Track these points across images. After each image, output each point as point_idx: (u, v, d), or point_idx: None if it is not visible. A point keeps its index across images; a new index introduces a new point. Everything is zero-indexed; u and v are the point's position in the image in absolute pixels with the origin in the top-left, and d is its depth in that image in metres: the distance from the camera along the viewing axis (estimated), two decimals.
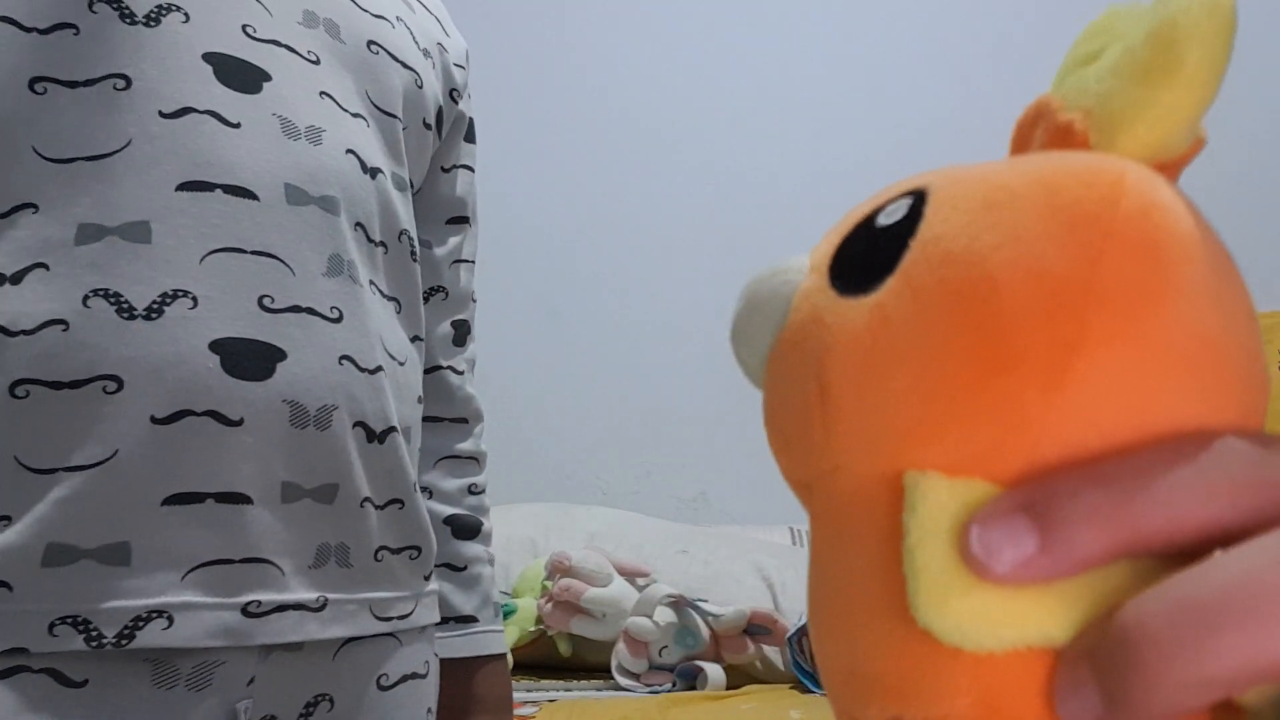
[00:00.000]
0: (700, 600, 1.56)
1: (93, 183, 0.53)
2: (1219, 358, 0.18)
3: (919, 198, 0.21)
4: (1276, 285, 1.37)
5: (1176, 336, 0.17)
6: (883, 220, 0.21)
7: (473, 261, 0.83)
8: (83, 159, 0.53)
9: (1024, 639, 0.17)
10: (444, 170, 0.79)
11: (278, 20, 0.61)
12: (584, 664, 1.60)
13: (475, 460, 0.81)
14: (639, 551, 1.70)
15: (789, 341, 0.22)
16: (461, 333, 0.81)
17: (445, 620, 0.75)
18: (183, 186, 0.54)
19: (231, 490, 0.54)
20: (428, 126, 0.73)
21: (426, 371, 0.76)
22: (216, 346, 0.53)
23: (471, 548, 0.78)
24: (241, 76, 0.58)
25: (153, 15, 0.56)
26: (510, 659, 1.53)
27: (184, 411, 0.53)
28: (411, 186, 0.72)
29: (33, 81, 0.54)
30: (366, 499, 0.61)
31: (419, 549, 0.67)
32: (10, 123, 0.53)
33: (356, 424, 0.60)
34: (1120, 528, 0.16)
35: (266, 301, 0.56)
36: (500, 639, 0.79)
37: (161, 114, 0.55)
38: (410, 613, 0.66)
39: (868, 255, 0.21)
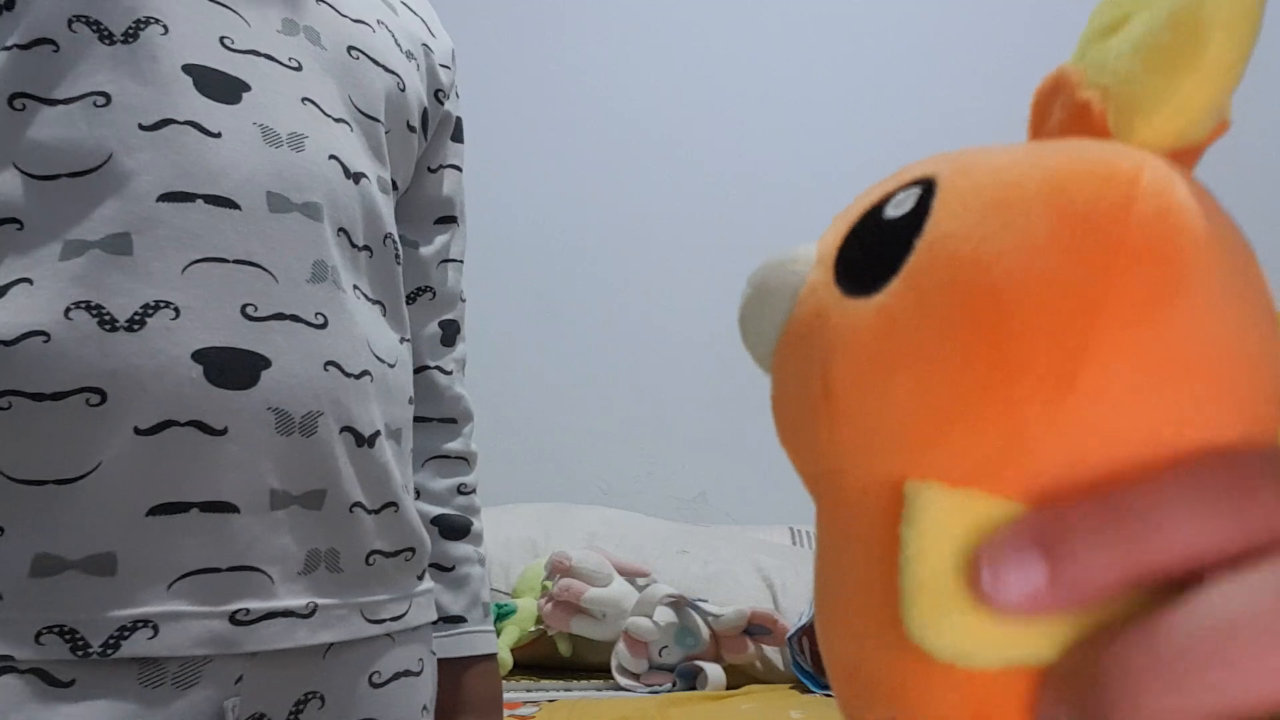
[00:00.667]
0: (700, 600, 1.56)
1: (76, 198, 0.54)
2: (1228, 368, 0.17)
3: (927, 188, 0.20)
4: (1277, 285, 1.37)
5: (1185, 348, 0.17)
6: (891, 212, 0.21)
7: (461, 261, 0.82)
8: (65, 175, 0.54)
9: (1015, 659, 0.17)
10: (430, 170, 0.79)
11: (256, 30, 0.61)
12: (584, 664, 1.60)
13: (464, 460, 0.81)
14: (639, 551, 1.70)
15: (795, 334, 0.22)
16: (450, 333, 0.81)
17: (433, 621, 0.75)
18: (164, 197, 0.55)
19: (217, 499, 0.54)
20: (411, 129, 0.73)
21: (415, 372, 0.76)
22: (199, 356, 0.54)
23: (460, 548, 0.78)
24: (220, 87, 0.58)
25: (130, 32, 0.56)
26: (510, 659, 1.53)
27: (168, 422, 0.53)
28: (396, 188, 0.72)
29: (12, 98, 0.54)
30: (357, 504, 0.61)
31: (413, 550, 0.67)
32: None
33: (344, 429, 0.60)
34: (1132, 563, 0.16)
35: (250, 310, 0.56)
36: (490, 639, 0.79)
37: (141, 126, 0.55)
38: (404, 613, 0.66)
39: (873, 253, 0.20)
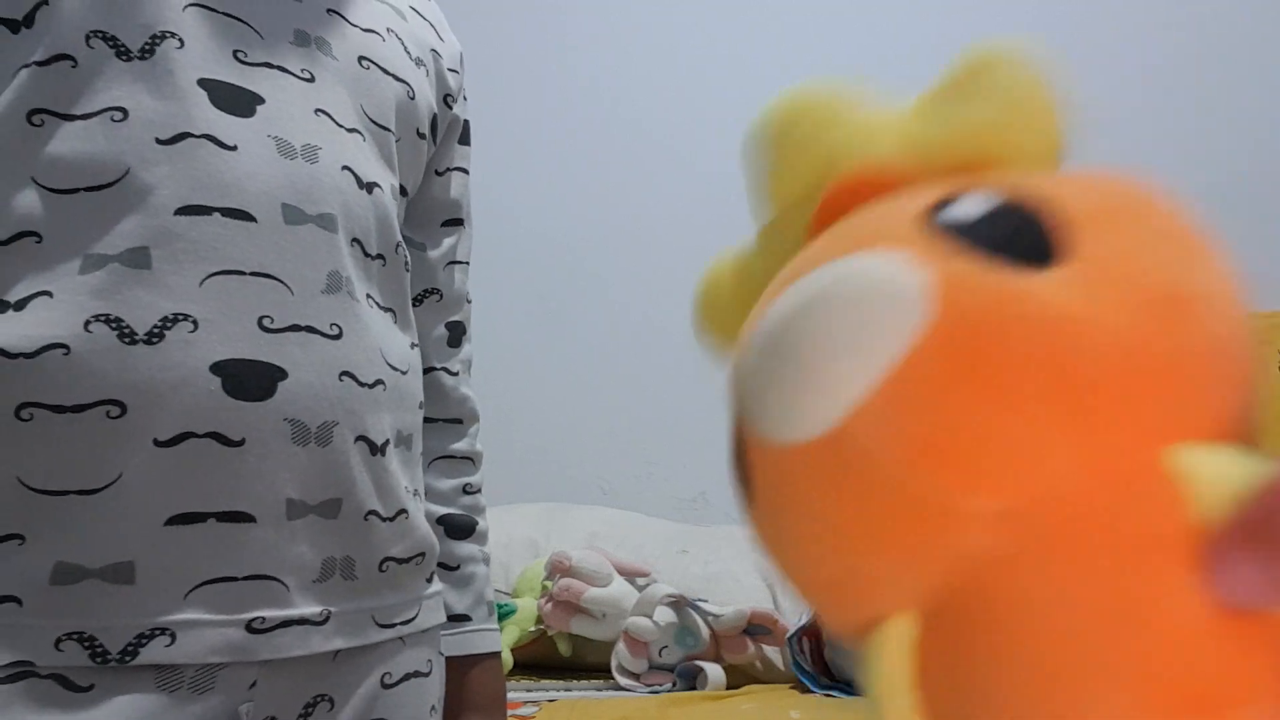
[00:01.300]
0: (700, 600, 1.56)
1: (94, 212, 0.54)
2: None
3: (1010, 196, 0.20)
4: (1277, 285, 1.37)
5: None
6: (973, 211, 0.20)
7: (467, 263, 0.83)
8: (83, 189, 0.54)
9: None
10: (438, 174, 0.79)
11: (269, 42, 0.62)
12: (584, 664, 1.60)
13: (470, 460, 0.81)
14: (639, 551, 1.70)
15: (960, 337, 0.20)
16: (456, 334, 0.82)
17: (444, 619, 0.75)
18: (181, 211, 0.55)
19: (235, 509, 0.55)
20: (421, 136, 0.73)
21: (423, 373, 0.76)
22: (218, 368, 0.54)
23: (465, 547, 0.79)
24: (235, 100, 0.58)
25: (146, 47, 0.56)
26: (510, 659, 1.53)
27: (187, 434, 0.53)
28: (405, 194, 0.72)
29: (30, 114, 0.54)
30: (372, 511, 0.62)
31: (423, 554, 0.68)
32: (10, 154, 0.54)
33: (358, 439, 0.61)
34: None
35: (266, 322, 0.57)
36: (494, 638, 0.79)
37: (158, 140, 0.55)
38: (414, 617, 0.67)
39: (1013, 237, 0.20)
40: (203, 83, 0.58)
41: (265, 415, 0.55)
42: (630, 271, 2.26)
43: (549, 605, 1.55)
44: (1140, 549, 0.18)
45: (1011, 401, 0.19)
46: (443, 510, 0.78)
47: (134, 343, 0.53)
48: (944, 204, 0.21)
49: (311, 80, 0.63)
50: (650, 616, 1.53)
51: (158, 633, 0.52)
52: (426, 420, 0.77)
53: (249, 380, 0.55)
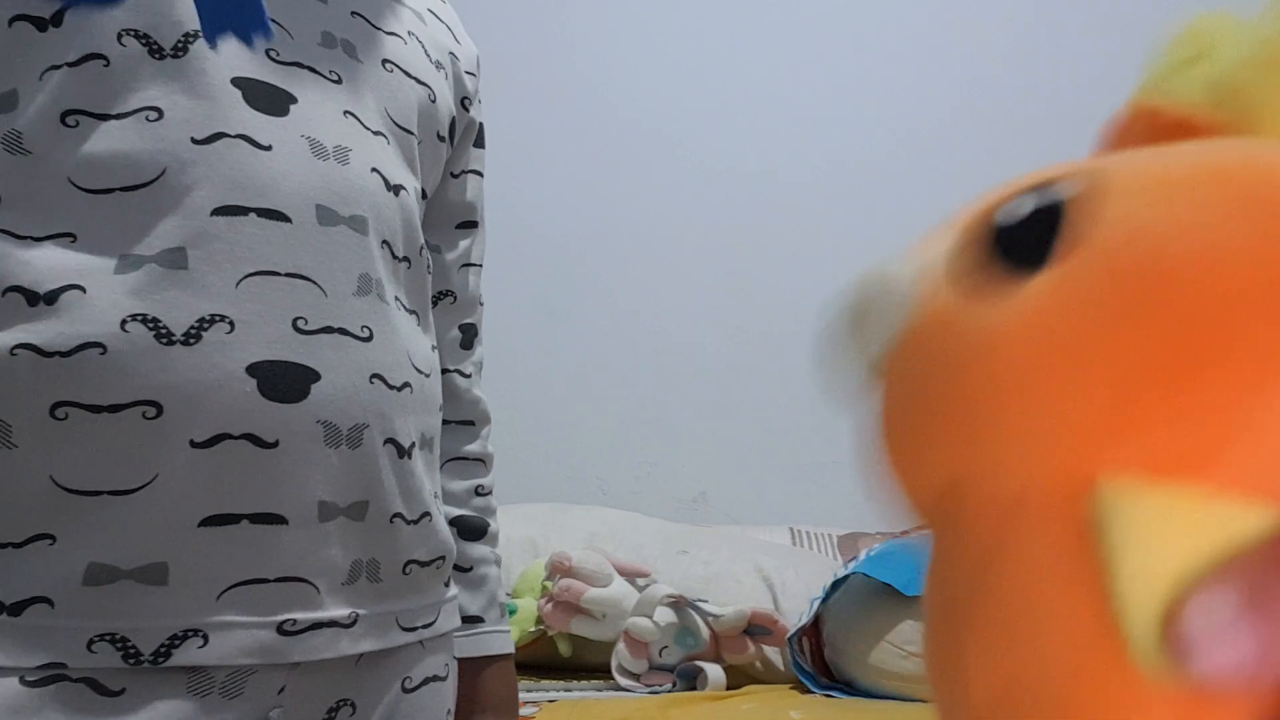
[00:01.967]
0: (700, 600, 1.56)
1: (130, 212, 0.54)
2: None
3: (1059, 191, 0.19)
4: None
5: None
6: (1008, 216, 0.20)
7: (480, 265, 0.83)
8: (119, 189, 0.54)
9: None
10: (453, 176, 0.79)
11: (299, 42, 0.62)
12: (584, 664, 1.60)
13: (482, 462, 0.82)
14: (639, 551, 1.70)
15: (923, 335, 0.20)
16: (469, 336, 0.82)
17: (459, 623, 0.76)
18: (218, 211, 0.55)
19: (267, 511, 0.55)
20: (441, 139, 0.73)
21: None
22: (253, 370, 0.54)
23: (477, 549, 0.79)
24: (269, 99, 0.58)
25: (179, 45, 0.56)
26: None
27: (222, 435, 0.53)
28: (425, 197, 0.73)
29: (64, 115, 0.54)
30: (397, 514, 0.62)
31: (443, 558, 0.68)
32: (45, 155, 0.54)
33: (386, 441, 0.61)
34: None
35: (300, 323, 0.57)
36: (506, 639, 0.80)
37: (194, 140, 0.55)
38: (434, 620, 0.67)
39: (1018, 244, 0.19)
40: (236, 81, 0.57)
41: (299, 417, 0.55)
42: (630, 271, 2.26)
43: (549, 605, 1.55)
44: (1024, 562, 0.18)
45: (920, 417, 0.20)
46: (455, 512, 0.78)
47: (171, 343, 0.53)
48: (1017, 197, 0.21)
49: (339, 82, 0.63)
50: (650, 617, 1.53)
51: (190, 634, 0.52)
52: (441, 422, 0.77)
53: (283, 382, 0.55)
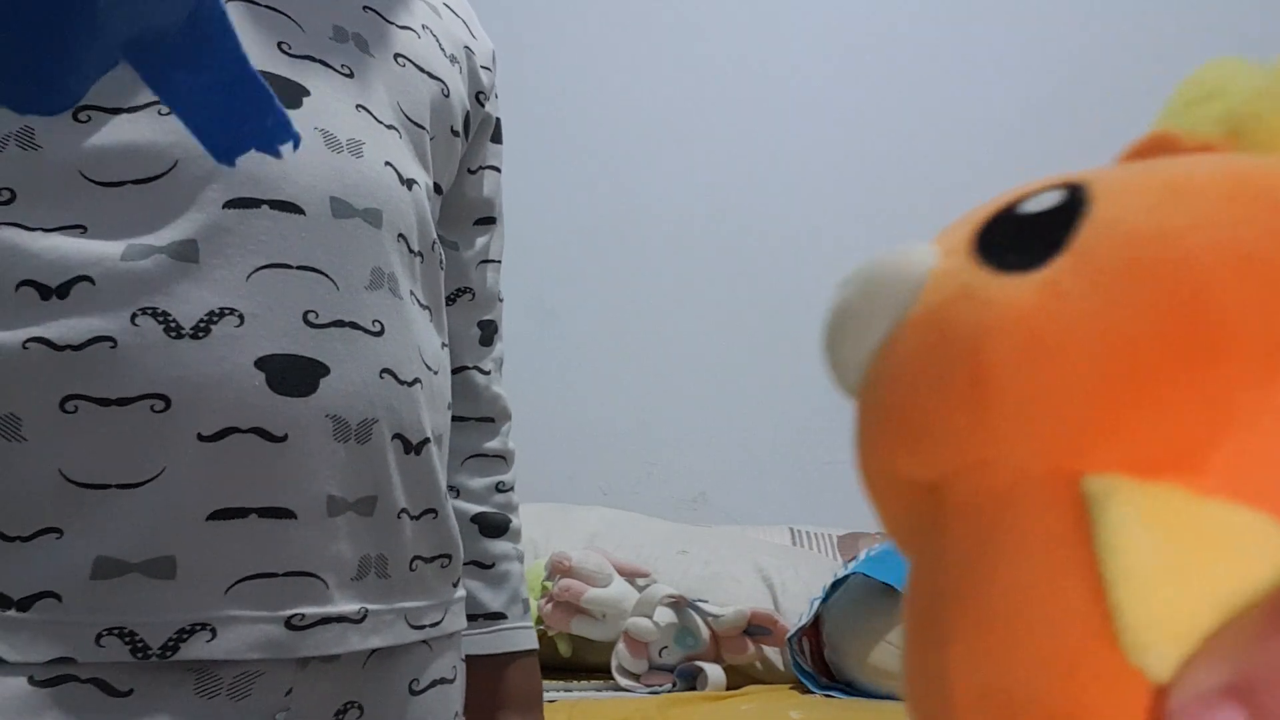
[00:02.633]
0: (700, 600, 1.56)
1: (142, 205, 0.54)
2: None
3: (1075, 189, 0.20)
4: None
5: None
6: (1032, 207, 0.20)
7: (499, 262, 0.83)
8: (130, 182, 0.54)
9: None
10: (470, 172, 0.79)
11: (310, 36, 0.61)
12: (584, 664, 1.60)
13: (503, 459, 0.82)
14: (639, 551, 1.70)
15: (925, 323, 0.20)
16: (489, 333, 0.82)
17: (474, 618, 0.75)
18: (230, 204, 0.55)
19: (276, 505, 0.55)
20: (455, 134, 0.73)
21: (454, 372, 0.76)
22: (262, 363, 0.54)
23: (499, 545, 0.79)
24: (281, 92, 0.58)
25: None
26: None
27: (231, 429, 0.53)
28: (439, 192, 0.72)
29: (76, 111, 0.54)
30: (403, 510, 0.62)
31: (449, 557, 0.68)
32: (55, 148, 0.54)
33: (395, 436, 0.61)
34: None
35: (311, 317, 0.56)
36: (530, 635, 0.79)
37: None
38: (440, 620, 0.67)
39: (1027, 235, 0.20)
40: None
41: (308, 411, 0.55)
42: (630, 271, 2.26)
43: (549, 606, 1.55)
44: (1016, 554, 0.18)
45: (925, 388, 0.20)
46: (476, 509, 0.78)
47: (180, 337, 0.53)
48: (1033, 195, 0.21)
49: (351, 76, 0.63)
50: (650, 617, 1.53)
51: (199, 628, 0.52)
52: (460, 419, 0.77)
53: (293, 376, 0.55)
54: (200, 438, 0.53)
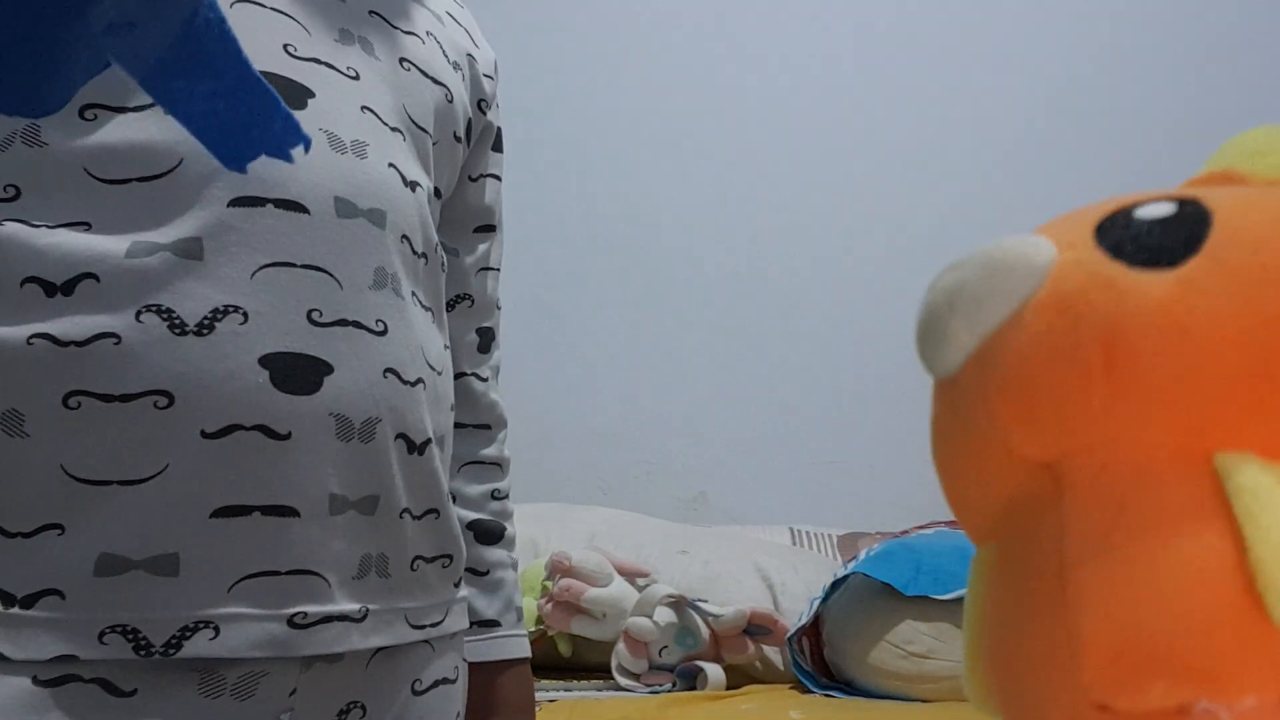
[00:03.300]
0: (700, 600, 1.56)
1: (147, 202, 0.54)
2: None
3: (1186, 203, 0.21)
4: None
5: None
6: (1151, 213, 0.21)
7: (498, 269, 0.83)
8: (135, 180, 0.54)
9: None
10: (471, 179, 0.79)
11: (316, 39, 0.62)
12: (584, 664, 1.60)
13: (499, 466, 0.82)
14: (639, 551, 1.70)
15: (1056, 307, 0.22)
16: (486, 340, 0.82)
17: (468, 625, 0.75)
18: (235, 202, 0.55)
19: (279, 503, 0.55)
20: (457, 139, 0.73)
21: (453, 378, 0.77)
22: (266, 361, 0.54)
23: (494, 552, 0.79)
24: (287, 94, 0.58)
25: None
26: None
27: (234, 426, 0.53)
28: (439, 197, 0.73)
29: (83, 109, 0.54)
30: (405, 510, 0.62)
31: (450, 557, 0.68)
32: (61, 146, 0.54)
33: (398, 436, 0.61)
34: None
35: (315, 315, 0.56)
36: (523, 643, 0.79)
37: None
38: (442, 620, 0.67)
39: (1153, 238, 0.21)
40: None
41: (312, 410, 0.55)
42: (631, 271, 2.26)
43: (549, 605, 1.55)
44: (1151, 523, 0.19)
45: (1056, 368, 0.21)
46: (472, 516, 0.78)
47: (184, 334, 0.53)
48: (1141, 205, 0.23)
49: (357, 78, 0.63)
50: (650, 616, 1.53)
51: (202, 625, 0.52)
52: (457, 425, 0.77)
53: (296, 374, 0.55)
54: (204, 435, 0.53)
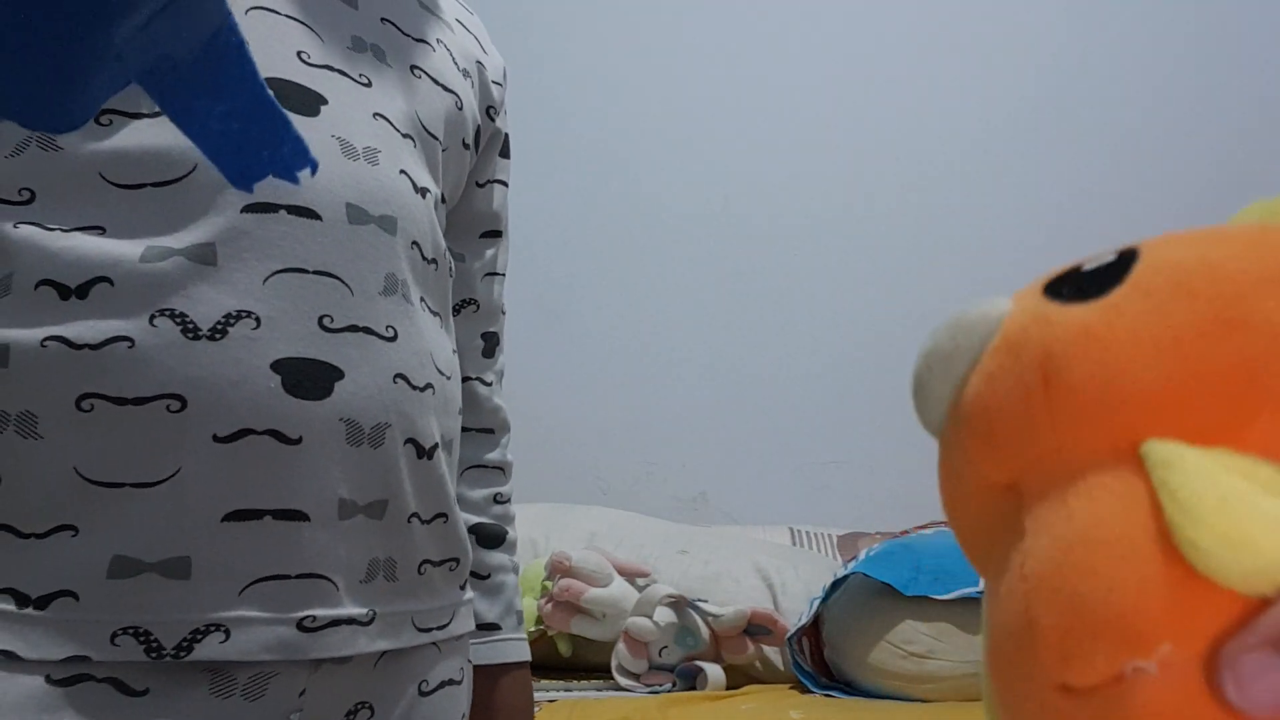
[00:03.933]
0: (700, 600, 1.56)
1: (161, 207, 0.54)
2: None
3: (1126, 251, 0.24)
4: None
5: None
6: (1092, 264, 0.24)
7: (504, 275, 0.84)
8: (150, 185, 0.54)
9: None
10: (479, 185, 0.80)
11: (329, 46, 0.62)
12: (584, 664, 1.60)
13: (501, 470, 0.83)
14: (639, 551, 1.70)
15: (1004, 348, 0.24)
16: (491, 345, 0.83)
17: (473, 627, 0.76)
18: (248, 208, 0.55)
19: (290, 507, 0.55)
20: (466, 146, 0.74)
21: None
22: (278, 366, 0.55)
23: (495, 556, 0.79)
24: (299, 100, 0.59)
25: None
26: None
27: (245, 430, 0.54)
28: (445, 203, 0.73)
29: (98, 115, 0.54)
30: (414, 514, 0.63)
31: (457, 560, 0.69)
32: (76, 150, 0.54)
33: (407, 441, 0.61)
34: None
35: (326, 321, 0.57)
36: (523, 647, 0.80)
37: None
38: (448, 623, 0.67)
39: (1088, 277, 0.24)
40: (268, 81, 0.58)
41: (322, 415, 0.56)
42: (630, 272, 2.26)
43: (549, 605, 1.55)
44: (1090, 512, 0.22)
45: (1003, 397, 0.24)
46: (474, 519, 0.79)
47: (197, 338, 0.53)
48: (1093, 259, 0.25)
49: (369, 85, 0.64)
50: (650, 616, 1.53)
51: (213, 629, 0.53)
52: (461, 430, 0.77)
53: (307, 379, 0.56)
54: (215, 439, 0.53)
